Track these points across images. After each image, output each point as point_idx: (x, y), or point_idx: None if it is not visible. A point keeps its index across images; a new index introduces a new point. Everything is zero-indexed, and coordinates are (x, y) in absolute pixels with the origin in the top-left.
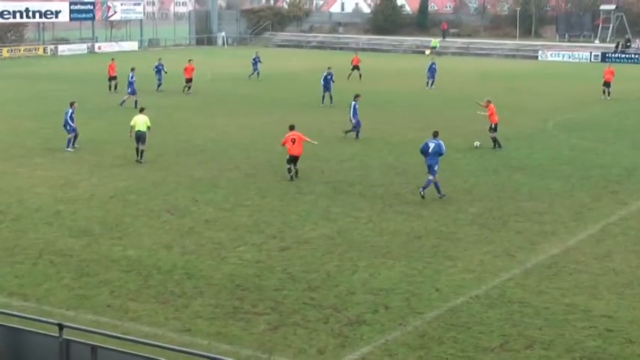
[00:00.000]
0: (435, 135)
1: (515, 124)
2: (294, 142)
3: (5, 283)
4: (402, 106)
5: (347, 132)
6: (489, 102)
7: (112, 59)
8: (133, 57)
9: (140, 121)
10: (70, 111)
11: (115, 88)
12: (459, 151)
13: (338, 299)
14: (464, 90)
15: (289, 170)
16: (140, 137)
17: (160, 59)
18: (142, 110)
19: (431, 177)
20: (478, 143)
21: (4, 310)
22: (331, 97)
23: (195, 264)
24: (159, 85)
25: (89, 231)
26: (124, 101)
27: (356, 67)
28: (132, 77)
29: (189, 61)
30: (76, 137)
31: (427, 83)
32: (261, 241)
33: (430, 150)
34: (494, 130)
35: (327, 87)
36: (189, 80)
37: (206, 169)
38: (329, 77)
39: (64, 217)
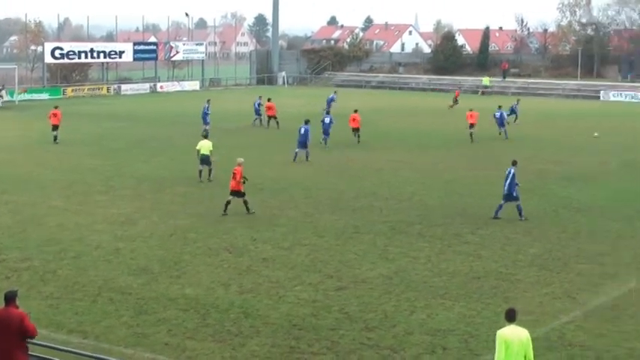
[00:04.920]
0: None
1: (576, 165)
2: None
3: (65, 320)
4: (462, 146)
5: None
6: (471, 110)
7: (269, 99)
8: (195, 96)
9: (205, 146)
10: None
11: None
12: (521, 192)
13: (395, 340)
14: (523, 130)
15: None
16: (204, 160)
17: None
18: (206, 136)
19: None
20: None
21: (63, 347)
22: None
23: (253, 303)
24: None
25: (148, 269)
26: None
27: (456, 101)
28: (208, 109)
29: (269, 100)
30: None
31: (513, 120)
32: (319, 281)
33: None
34: (470, 127)
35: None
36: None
37: (265, 207)
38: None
39: (123, 255)
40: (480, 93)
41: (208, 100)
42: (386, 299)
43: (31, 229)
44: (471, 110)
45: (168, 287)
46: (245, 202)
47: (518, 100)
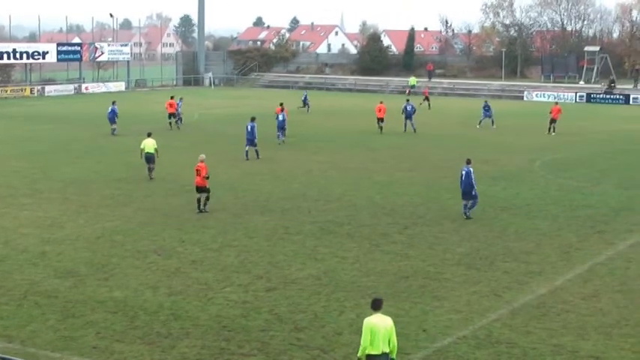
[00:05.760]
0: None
1: (502, 164)
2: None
3: None
4: (390, 146)
5: None
6: (381, 102)
7: (172, 97)
8: (121, 97)
9: (149, 144)
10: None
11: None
12: (448, 192)
13: (325, 340)
14: (450, 130)
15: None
16: (149, 158)
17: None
18: (149, 135)
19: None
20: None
21: None
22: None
23: (182, 305)
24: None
25: (75, 272)
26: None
27: (426, 99)
28: (115, 110)
29: (172, 97)
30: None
31: (479, 122)
32: (248, 282)
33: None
34: (379, 121)
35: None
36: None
37: (193, 209)
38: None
39: (50, 258)
40: (407, 93)
41: (114, 102)
42: (315, 300)
43: None
44: (380, 103)
45: (95, 290)
46: (207, 199)
47: (486, 102)
